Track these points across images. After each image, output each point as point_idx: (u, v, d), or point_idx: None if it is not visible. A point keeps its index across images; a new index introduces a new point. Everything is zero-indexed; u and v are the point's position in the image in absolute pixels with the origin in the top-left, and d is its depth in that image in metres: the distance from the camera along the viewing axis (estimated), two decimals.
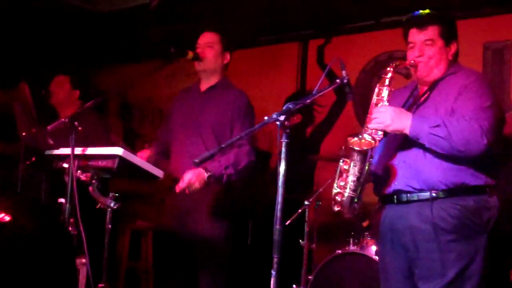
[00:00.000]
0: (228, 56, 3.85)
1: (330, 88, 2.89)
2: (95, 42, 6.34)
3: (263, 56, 6.06)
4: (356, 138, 2.82)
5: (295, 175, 4.85)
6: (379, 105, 2.90)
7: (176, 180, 3.62)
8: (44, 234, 3.58)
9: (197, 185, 3.50)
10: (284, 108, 2.65)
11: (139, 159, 3.40)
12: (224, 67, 3.87)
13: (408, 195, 2.88)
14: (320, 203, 4.44)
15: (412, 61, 2.95)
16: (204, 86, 3.86)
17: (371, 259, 3.98)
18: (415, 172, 2.86)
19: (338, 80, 2.86)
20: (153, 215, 5.51)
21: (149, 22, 5.63)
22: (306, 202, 4.30)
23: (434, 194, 2.83)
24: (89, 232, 3.13)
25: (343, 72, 2.86)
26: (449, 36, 2.98)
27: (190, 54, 3.73)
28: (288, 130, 2.65)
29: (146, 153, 3.77)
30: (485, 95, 2.83)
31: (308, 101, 2.80)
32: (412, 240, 2.87)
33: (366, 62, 5.37)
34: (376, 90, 2.97)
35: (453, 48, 3.01)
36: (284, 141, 2.63)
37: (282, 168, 2.65)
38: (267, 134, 5.45)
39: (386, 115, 2.80)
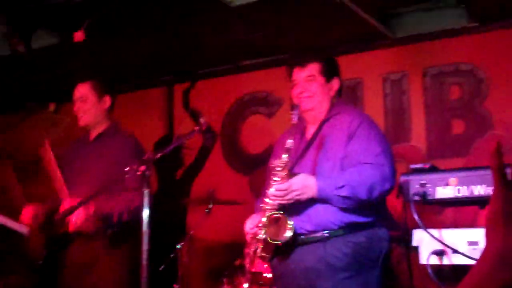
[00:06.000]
0: (107, 100, 3.85)
1: (191, 136, 2.99)
2: None
3: (130, 102, 6.05)
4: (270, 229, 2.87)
5: (167, 219, 4.89)
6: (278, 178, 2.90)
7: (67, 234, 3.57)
8: None
9: (82, 218, 3.43)
10: (143, 158, 2.72)
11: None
12: (107, 111, 3.85)
13: (302, 237, 2.92)
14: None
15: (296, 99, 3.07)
16: (92, 134, 3.84)
17: None
18: (307, 216, 2.92)
19: (196, 128, 2.95)
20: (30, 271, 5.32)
21: (9, 74, 5.48)
22: (178, 246, 4.33)
23: (326, 234, 2.89)
24: None
25: (201, 119, 2.95)
26: (329, 72, 3.12)
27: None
28: (149, 179, 2.71)
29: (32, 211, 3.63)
30: (377, 139, 2.95)
31: (167, 150, 2.87)
32: (309, 280, 2.91)
33: (231, 104, 5.52)
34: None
35: (335, 84, 3.14)
36: (146, 190, 2.69)
37: (145, 216, 2.71)
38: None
39: (295, 192, 2.83)
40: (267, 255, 2.97)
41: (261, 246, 2.96)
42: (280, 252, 2.98)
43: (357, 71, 5.12)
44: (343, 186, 2.81)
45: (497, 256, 1.19)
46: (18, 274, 5.32)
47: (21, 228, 3.36)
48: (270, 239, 2.88)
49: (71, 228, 3.50)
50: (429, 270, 2.56)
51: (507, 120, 4.44)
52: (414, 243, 2.73)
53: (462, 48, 4.75)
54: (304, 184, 2.84)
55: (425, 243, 2.66)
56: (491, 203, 1.25)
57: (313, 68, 3.09)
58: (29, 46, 4.87)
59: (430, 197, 2.58)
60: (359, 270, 2.89)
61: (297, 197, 2.85)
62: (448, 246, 2.45)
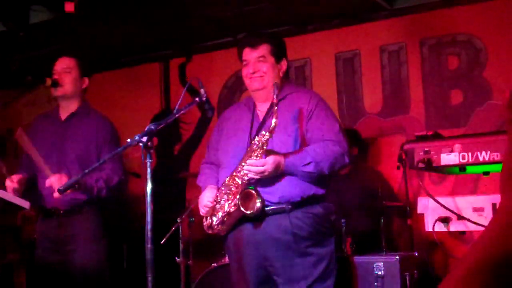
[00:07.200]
0: (86, 81, 3.82)
1: (190, 107, 2.98)
2: None
3: (126, 77, 6.04)
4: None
5: (166, 195, 4.89)
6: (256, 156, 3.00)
7: (44, 210, 3.56)
8: None
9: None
10: (146, 129, 2.70)
11: (1, 191, 3.31)
12: (83, 92, 3.83)
13: (267, 209, 3.03)
14: (194, 219, 4.48)
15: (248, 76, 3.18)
16: (64, 113, 3.79)
17: None
18: (272, 189, 3.04)
19: (197, 99, 2.93)
20: (24, 248, 5.33)
21: (6, 50, 5.45)
22: (178, 220, 4.33)
23: (289, 206, 3.02)
24: None
25: (201, 90, 2.94)
26: (279, 53, 3.21)
27: (48, 81, 3.69)
28: (152, 151, 2.70)
29: (15, 178, 3.59)
30: (334, 119, 3.16)
31: (169, 120, 2.86)
32: (273, 250, 3.04)
33: (228, 78, 5.50)
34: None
35: (283, 65, 3.23)
36: (148, 161, 2.68)
37: (149, 187, 2.70)
38: (136, 156, 5.44)
39: (269, 170, 2.95)
40: (225, 228, 3.11)
41: (224, 218, 3.08)
42: (244, 223, 3.09)
43: (354, 43, 5.13)
44: (309, 163, 2.98)
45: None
46: (13, 252, 5.34)
47: (22, 202, 3.33)
48: (242, 210, 2.97)
49: (49, 203, 3.49)
50: (435, 237, 2.56)
51: (505, 89, 4.44)
52: (419, 210, 2.74)
53: (459, 18, 4.74)
54: (277, 162, 2.98)
55: (430, 210, 2.66)
56: (505, 158, 1.24)
57: (264, 49, 3.19)
58: (26, 22, 4.85)
59: (435, 164, 2.57)
60: (319, 238, 3.07)
61: (271, 174, 2.98)
62: (454, 213, 2.45)
